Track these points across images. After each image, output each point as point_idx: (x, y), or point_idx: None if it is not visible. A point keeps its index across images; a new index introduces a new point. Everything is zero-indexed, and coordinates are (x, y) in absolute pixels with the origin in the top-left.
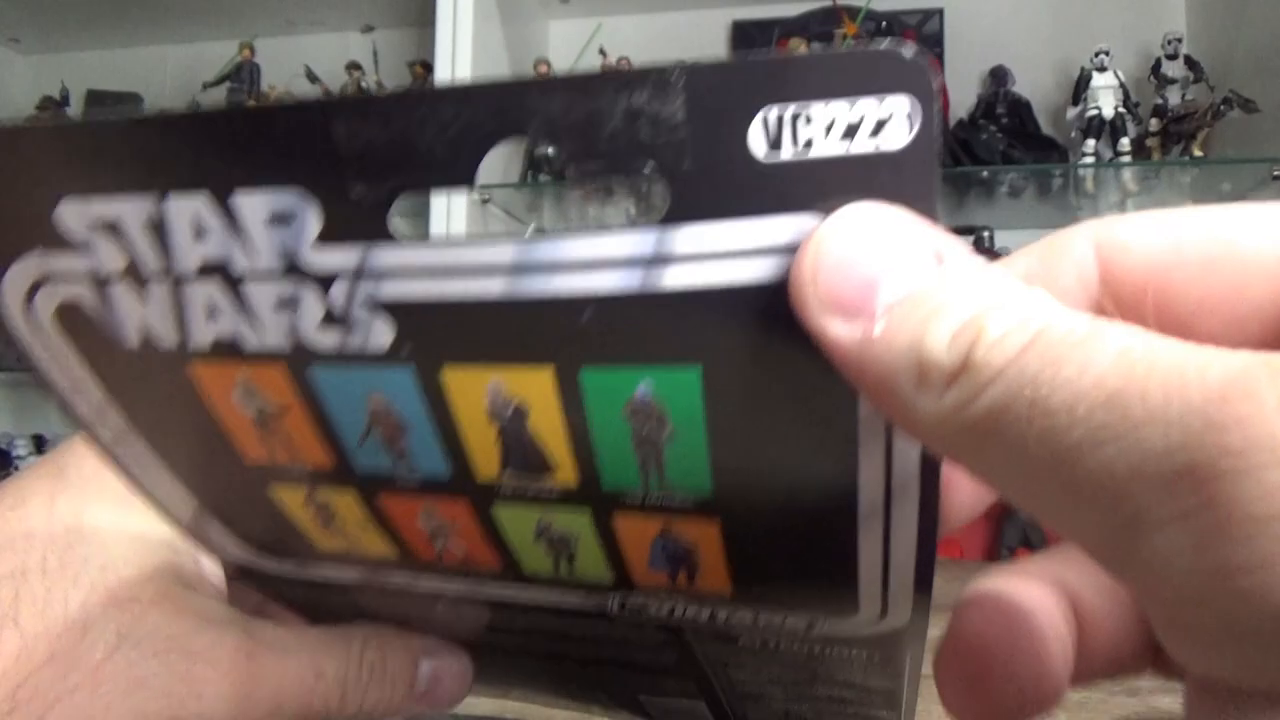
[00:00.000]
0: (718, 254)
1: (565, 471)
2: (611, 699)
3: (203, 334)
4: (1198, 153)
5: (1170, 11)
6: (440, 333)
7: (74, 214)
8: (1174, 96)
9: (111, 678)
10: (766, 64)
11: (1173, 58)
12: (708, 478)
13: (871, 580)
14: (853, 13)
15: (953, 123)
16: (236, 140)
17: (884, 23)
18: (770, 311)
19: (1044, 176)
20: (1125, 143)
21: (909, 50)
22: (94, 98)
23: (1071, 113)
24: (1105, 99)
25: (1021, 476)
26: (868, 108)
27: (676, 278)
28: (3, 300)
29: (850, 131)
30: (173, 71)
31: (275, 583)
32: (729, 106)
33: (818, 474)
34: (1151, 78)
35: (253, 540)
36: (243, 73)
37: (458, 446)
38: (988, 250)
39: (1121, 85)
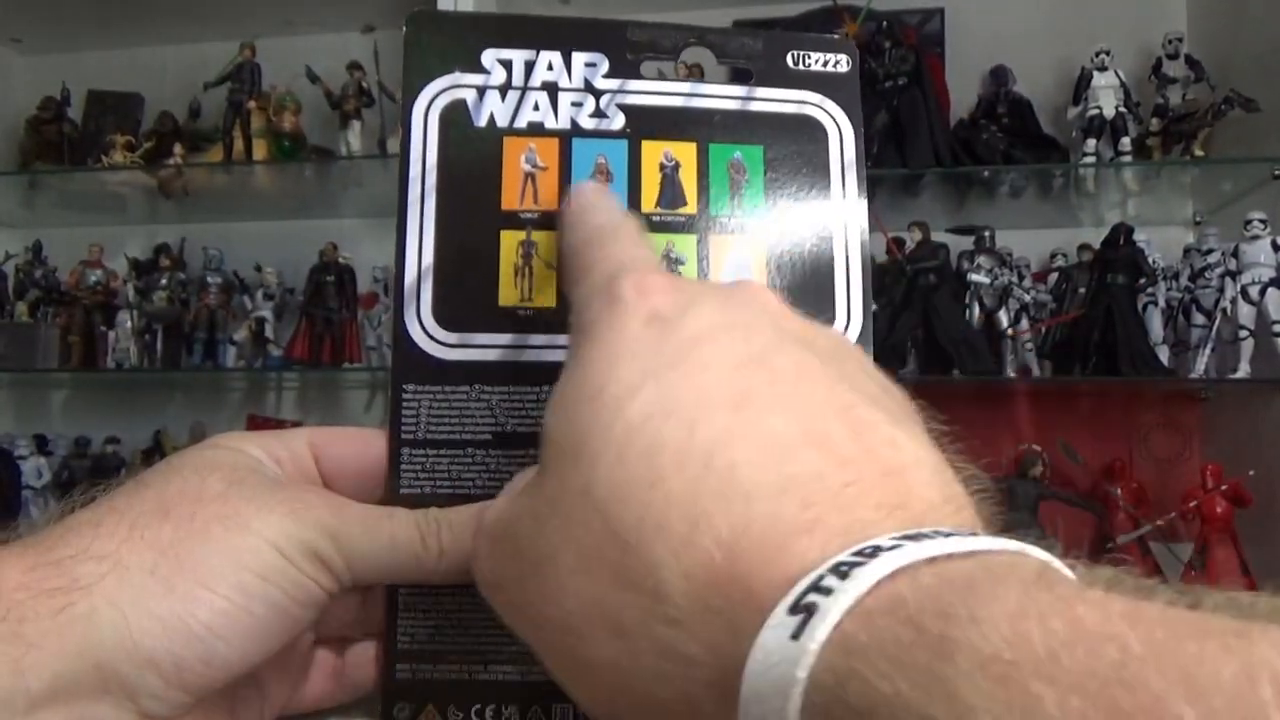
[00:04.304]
0: (770, 99)
1: (691, 205)
2: None
3: (523, 118)
4: (1199, 152)
5: (1171, 11)
6: (647, 121)
7: (489, 55)
8: (1175, 96)
9: (235, 499)
10: (800, 35)
11: (1173, 57)
12: (762, 202)
13: (841, 291)
14: (854, 12)
15: (953, 123)
16: (583, 32)
17: (884, 22)
18: (787, 127)
19: (1045, 176)
20: (1126, 142)
21: (847, 36)
22: (95, 98)
23: (1072, 112)
24: (1106, 99)
25: None
26: (831, 56)
27: (754, 106)
28: (416, 99)
29: (826, 63)
30: (173, 71)
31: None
32: (779, 47)
33: (813, 218)
34: (1152, 77)
35: (443, 310)
36: (243, 73)
37: (636, 189)
38: (988, 250)
39: (1122, 85)
